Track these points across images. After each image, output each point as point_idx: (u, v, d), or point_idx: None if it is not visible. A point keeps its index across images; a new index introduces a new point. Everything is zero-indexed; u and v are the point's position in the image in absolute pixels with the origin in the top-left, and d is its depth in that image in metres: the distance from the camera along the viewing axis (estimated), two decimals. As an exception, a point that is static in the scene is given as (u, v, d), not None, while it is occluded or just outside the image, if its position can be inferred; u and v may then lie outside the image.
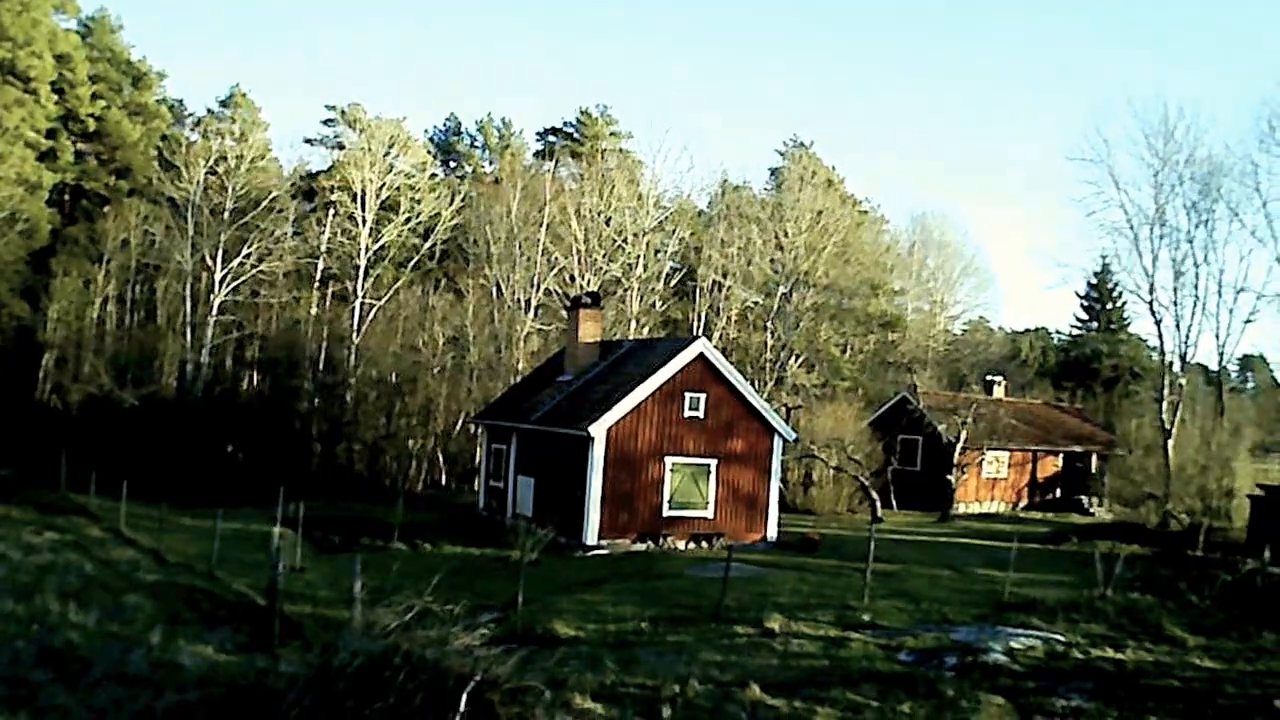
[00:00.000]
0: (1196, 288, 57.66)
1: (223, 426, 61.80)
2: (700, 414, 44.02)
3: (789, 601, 31.09)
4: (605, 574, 36.78)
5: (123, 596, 29.47)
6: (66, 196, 75.96)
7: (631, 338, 58.17)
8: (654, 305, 73.42)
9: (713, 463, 44.28)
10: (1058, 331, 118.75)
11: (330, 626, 27.61)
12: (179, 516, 42.90)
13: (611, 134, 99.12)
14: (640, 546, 42.45)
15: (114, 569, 33.77)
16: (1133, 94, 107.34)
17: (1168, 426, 56.33)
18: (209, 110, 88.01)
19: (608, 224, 70.67)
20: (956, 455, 59.90)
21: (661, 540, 43.01)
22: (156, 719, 19.59)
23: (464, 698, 16.87)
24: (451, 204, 76.51)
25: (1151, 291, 58.27)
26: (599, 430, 41.70)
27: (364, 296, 73.14)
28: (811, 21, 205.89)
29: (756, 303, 75.36)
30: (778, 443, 46.11)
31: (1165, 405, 57.09)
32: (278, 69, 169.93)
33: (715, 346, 70.61)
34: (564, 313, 67.85)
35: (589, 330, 49.13)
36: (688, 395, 43.83)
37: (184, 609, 29.14)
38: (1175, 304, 57.94)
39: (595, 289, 67.40)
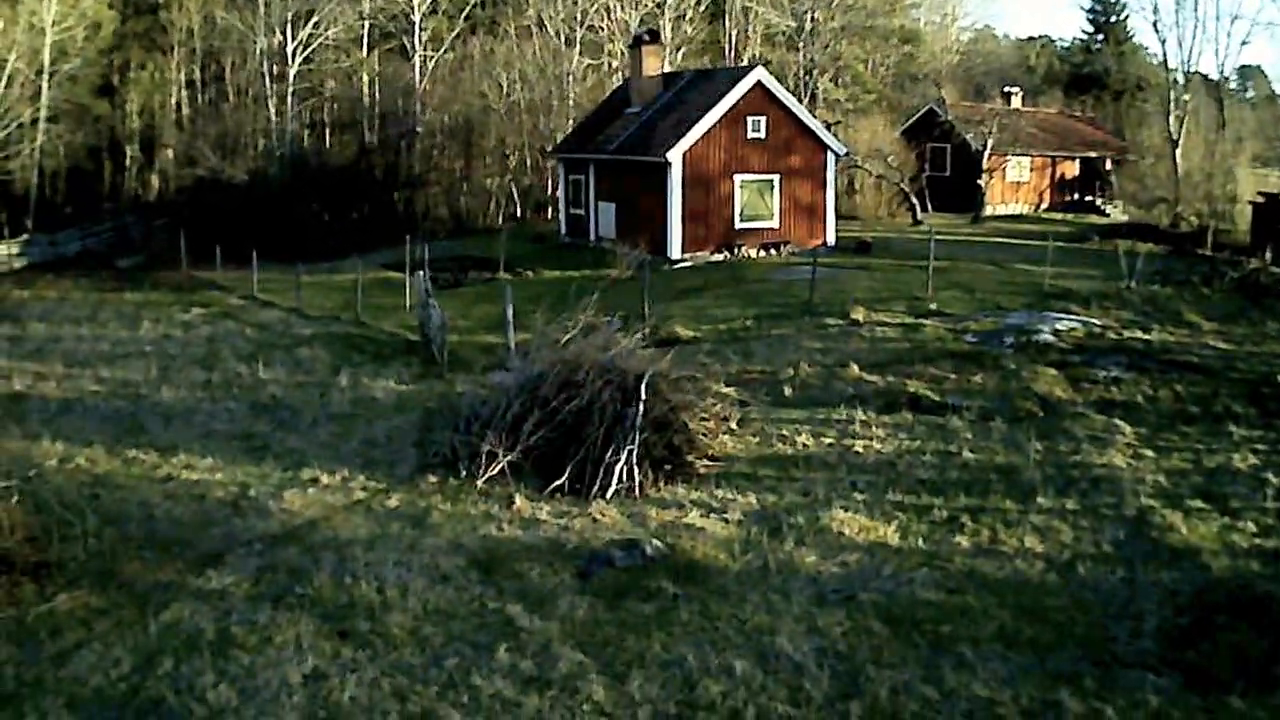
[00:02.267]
0: (1197, 10, 60.44)
1: (310, 190, 63.83)
2: (762, 135, 47.28)
3: (865, 296, 35.34)
4: (700, 283, 40.66)
5: (294, 351, 33.75)
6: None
7: (690, 69, 60.60)
8: (686, 33, 75.48)
9: (776, 178, 47.78)
10: (1060, 39, 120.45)
11: (483, 352, 32.02)
12: (290, 276, 45.39)
13: None
14: (718, 257, 46.36)
15: (270, 330, 37.64)
16: None
17: (1175, 137, 59.57)
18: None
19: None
20: (985, 162, 63.29)
21: (736, 250, 46.96)
22: (380, 442, 24.30)
23: (643, 389, 21.71)
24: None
25: (1156, 12, 61.04)
26: (676, 155, 45.08)
27: (424, 50, 74.62)
28: None
29: (789, 27, 77.70)
30: (830, 158, 49.47)
31: (1172, 119, 60.27)
32: None
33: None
34: (610, 48, 70.94)
35: (651, 65, 51.71)
36: (749, 119, 46.96)
37: (352, 353, 33.40)
38: (1178, 24, 60.81)
39: (635, 20, 70.37)
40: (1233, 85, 67.59)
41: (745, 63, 76.01)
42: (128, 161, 77.12)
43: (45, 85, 63.87)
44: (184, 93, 78.14)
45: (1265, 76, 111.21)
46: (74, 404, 28.48)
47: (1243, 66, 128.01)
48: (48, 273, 55.46)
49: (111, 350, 35.10)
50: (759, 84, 47.61)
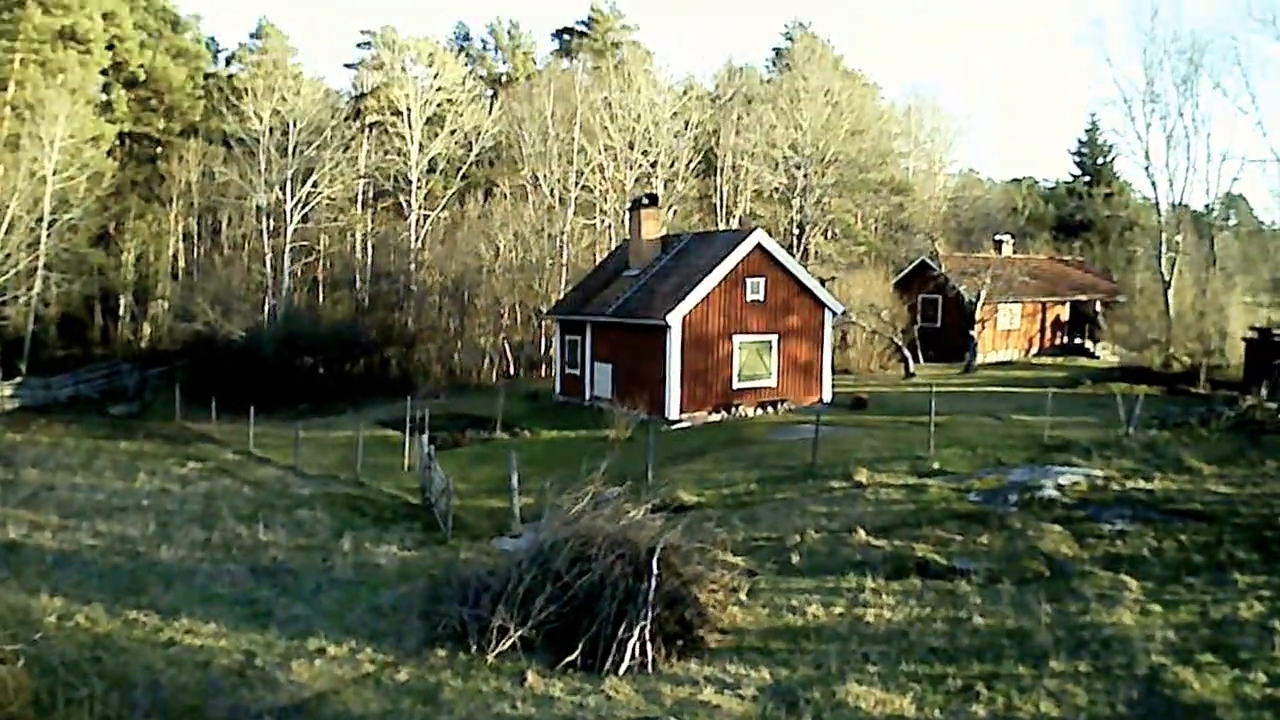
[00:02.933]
0: (1189, 153, 61.36)
1: (305, 346, 64.81)
2: (760, 297, 48.22)
3: (867, 456, 35.38)
4: (700, 444, 40.70)
5: (294, 512, 33.54)
6: (118, 143, 78.35)
7: (688, 232, 61.39)
8: (679, 190, 76.84)
9: (774, 338, 48.59)
10: (1044, 179, 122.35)
11: (485, 516, 32.11)
12: (286, 431, 46.20)
13: (623, 27, 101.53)
14: (715, 417, 46.75)
15: (268, 488, 37.58)
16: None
17: (1166, 279, 60.14)
18: (240, 44, 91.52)
19: (638, 120, 74.00)
20: (977, 313, 63.55)
21: (733, 409, 47.38)
22: (386, 611, 24.07)
23: (654, 563, 21.82)
24: (490, 113, 79.16)
25: (1147, 157, 61.90)
26: (675, 319, 45.80)
27: (420, 209, 76.31)
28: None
29: (782, 184, 79.04)
30: (828, 316, 50.40)
31: (1164, 261, 60.91)
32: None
33: (736, 223, 75.06)
34: (604, 206, 72.27)
35: (650, 228, 52.69)
36: (748, 281, 47.93)
37: (353, 516, 33.24)
38: (1168, 167, 61.68)
39: (629, 180, 71.59)
40: (1217, 212, 68.30)
41: (737, 218, 77.66)
42: (122, 310, 78.25)
43: (44, 234, 64.77)
44: (180, 244, 79.70)
45: (1249, 205, 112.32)
46: (71, 557, 28.27)
47: (1226, 194, 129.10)
48: (40, 416, 55.80)
49: (108, 502, 34.92)
50: (759, 246, 48.57)
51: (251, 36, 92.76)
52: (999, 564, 24.70)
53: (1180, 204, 64.00)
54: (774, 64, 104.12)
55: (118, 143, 78.23)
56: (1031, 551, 25.27)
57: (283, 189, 72.55)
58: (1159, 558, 24.73)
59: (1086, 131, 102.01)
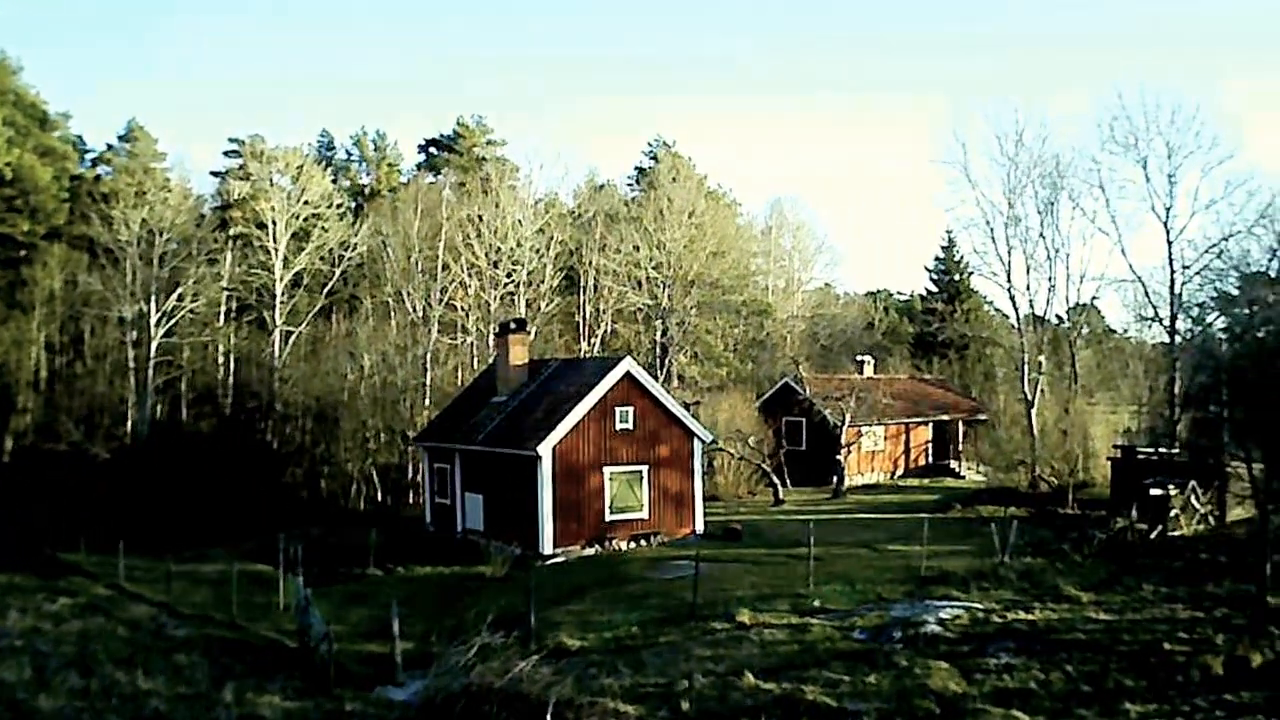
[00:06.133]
0: (1050, 273, 62.39)
1: (170, 466, 62.60)
2: (630, 426, 47.54)
3: (748, 594, 34.91)
4: (578, 582, 39.65)
5: (172, 657, 31.93)
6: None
7: (556, 358, 60.24)
8: (541, 308, 76.84)
9: (644, 469, 47.81)
10: (899, 292, 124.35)
11: (366, 662, 31.06)
12: (156, 564, 44.51)
13: (488, 143, 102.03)
14: (589, 551, 45.74)
15: (143, 629, 35.85)
16: (986, 99, 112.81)
17: (1030, 399, 60.92)
18: (109, 146, 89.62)
19: (504, 240, 73.85)
20: (843, 436, 63.87)
21: (607, 542, 46.43)
22: None
23: (549, 716, 21.25)
24: (357, 233, 78.67)
25: (1009, 279, 62.86)
26: (546, 449, 44.95)
27: (283, 324, 75.16)
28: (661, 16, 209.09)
29: (646, 305, 79.26)
30: (697, 445, 49.80)
31: (1026, 382, 61.83)
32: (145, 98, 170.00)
33: (599, 343, 75.02)
34: (467, 325, 71.72)
35: (518, 354, 52.11)
36: (618, 410, 47.28)
37: (233, 662, 31.76)
38: (1028, 287, 62.66)
39: (494, 299, 71.25)
40: (1069, 328, 69.51)
41: (600, 337, 77.52)
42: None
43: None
44: (42, 354, 76.72)
45: (1099, 312, 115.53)
46: (-53, 708, 26.66)
47: (1078, 304, 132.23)
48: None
49: (-21, 641, 33.17)
50: (628, 374, 48.07)
51: (120, 139, 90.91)
52: (890, 704, 24.34)
53: (1043, 323, 65.06)
54: (637, 182, 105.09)
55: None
56: (921, 690, 24.97)
57: (147, 300, 71.10)
58: (1047, 690, 24.64)
59: (944, 248, 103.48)
